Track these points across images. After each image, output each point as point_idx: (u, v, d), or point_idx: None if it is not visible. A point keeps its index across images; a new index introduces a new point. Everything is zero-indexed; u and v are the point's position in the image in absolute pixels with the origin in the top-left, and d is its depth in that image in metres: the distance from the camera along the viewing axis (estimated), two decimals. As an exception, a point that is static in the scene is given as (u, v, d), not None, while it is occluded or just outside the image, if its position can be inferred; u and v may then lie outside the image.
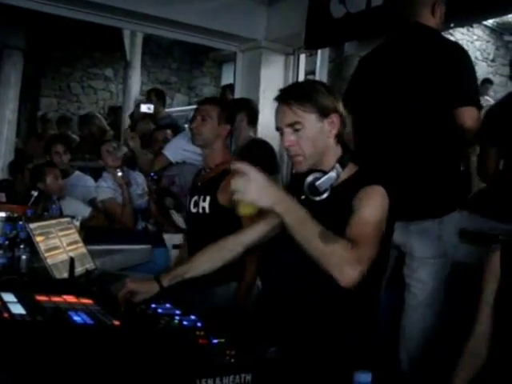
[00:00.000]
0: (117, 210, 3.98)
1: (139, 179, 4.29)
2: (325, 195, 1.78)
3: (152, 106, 4.69)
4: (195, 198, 2.79)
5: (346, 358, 1.73)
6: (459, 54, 2.47)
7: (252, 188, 1.53)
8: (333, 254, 1.53)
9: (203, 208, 2.73)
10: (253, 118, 3.98)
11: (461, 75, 2.40)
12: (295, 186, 1.85)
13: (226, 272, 2.30)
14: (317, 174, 1.79)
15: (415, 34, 2.56)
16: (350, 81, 2.86)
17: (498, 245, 1.81)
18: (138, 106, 4.64)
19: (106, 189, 4.05)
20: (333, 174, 1.78)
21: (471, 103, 2.39)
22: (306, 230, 1.55)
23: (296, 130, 1.76)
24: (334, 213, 1.70)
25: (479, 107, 2.45)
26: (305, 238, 1.55)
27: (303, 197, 1.79)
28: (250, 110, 3.96)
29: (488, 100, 6.74)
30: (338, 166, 1.79)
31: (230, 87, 5.46)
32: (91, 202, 4.11)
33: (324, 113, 1.76)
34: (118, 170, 3.97)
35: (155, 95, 6.12)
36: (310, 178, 1.79)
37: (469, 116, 2.37)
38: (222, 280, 2.61)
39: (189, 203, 2.84)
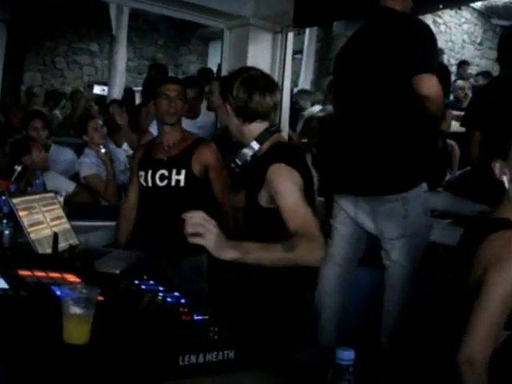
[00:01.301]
0: (100, 186, 3.95)
1: (120, 156, 4.26)
2: (245, 167, 2.09)
3: (106, 88, 4.57)
4: (162, 171, 2.85)
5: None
6: (415, 26, 2.50)
7: (214, 240, 1.65)
8: (302, 254, 1.78)
9: (177, 181, 2.81)
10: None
11: (415, 45, 2.42)
12: None
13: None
14: (239, 150, 2.10)
15: (379, 17, 2.62)
16: (333, 70, 2.94)
17: None
18: (90, 87, 4.51)
19: (88, 165, 4.01)
20: (246, 150, 2.08)
21: (426, 70, 2.40)
22: (269, 256, 1.77)
23: None
24: (251, 181, 2.07)
25: (438, 77, 2.44)
26: (272, 261, 1.78)
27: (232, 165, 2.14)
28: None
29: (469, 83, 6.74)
30: (254, 142, 2.07)
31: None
32: (74, 177, 4.08)
33: (223, 103, 2.14)
34: (102, 147, 3.93)
35: (155, 71, 6.01)
36: (234, 155, 2.13)
37: (424, 83, 2.38)
38: (193, 251, 2.69)
39: (152, 176, 2.88)
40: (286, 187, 1.94)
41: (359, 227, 2.67)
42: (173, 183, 2.81)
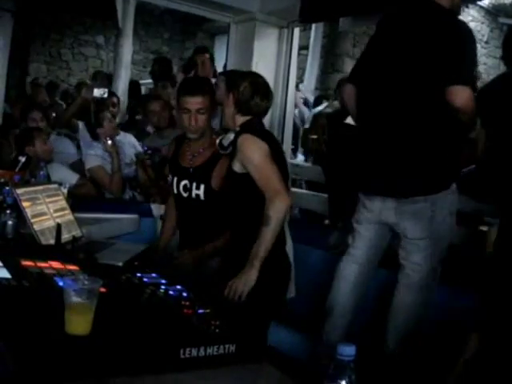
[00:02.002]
0: (104, 179, 3.96)
1: (126, 149, 4.26)
2: (230, 149, 2.50)
3: (107, 90, 4.53)
4: (185, 182, 2.77)
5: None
6: (460, 33, 2.42)
7: (243, 286, 2.28)
8: (276, 216, 2.33)
9: (197, 195, 2.74)
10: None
11: (456, 54, 2.36)
12: None
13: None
14: (224, 135, 2.55)
15: (424, 10, 2.50)
16: (361, 54, 2.83)
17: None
18: (90, 88, 4.49)
19: (94, 157, 4.01)
20: (230, 134, 2.51)
21: (463, 82, 2.35)
22: (266, 241, 2.33)
23: None
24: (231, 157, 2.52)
25: (473, 88, 2.40)
26: (271, 240, 2.35)
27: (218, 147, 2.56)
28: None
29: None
30: (237, 128, 2.50)
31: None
32: (73, 166, 4.10)
33: (228, 92, 2.58)
34: (108, 138, 3.93)
35: (159, 65, 5.91)
36: (219, 138, 2.56)
37: (459, 95, 2.33)
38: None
39: (176, 185, 2.81)
40: (251, 152, 2.42)
41: (384, 228, 2.62)
42: (193, 196, 2.75)
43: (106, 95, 4.49)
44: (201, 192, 2.73)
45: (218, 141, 2.55)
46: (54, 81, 8.78)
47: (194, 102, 2.66)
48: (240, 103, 2.51)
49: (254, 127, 2.52)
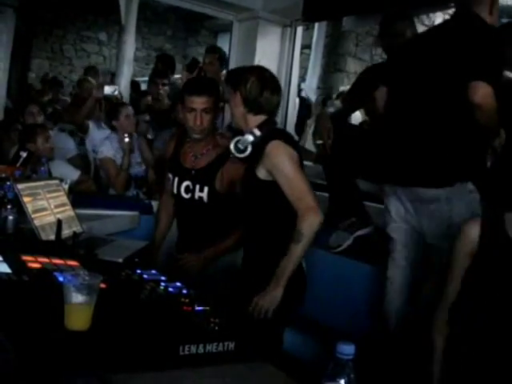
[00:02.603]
0: (112, 171, 3.98)
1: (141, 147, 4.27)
2: (247, 152, 2.32)
3: (117, 87, 4.53)
4: (187, 183, 2.74)
5: None
6: (485, 33, 2.41)
7: (269, 304, 2.20)
8: (309, 231, 2.19)
9: (200, 197, 2.70)
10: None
11: (479, 52, 2.33)
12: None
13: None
14: (239, 137, 2.34)
15: (469, 22, 2.48)
16: (396, 56, 2.82)
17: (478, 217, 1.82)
18: (101, 86, 4.51)
19: (108, 148, 4.04)
20: (248, 135, 2.32)
21: (484, 79, 2.30)
22: (296, 258, 2.22)
23: None
24: (252, 161, 2.34)
25: (494, 86, 2.33)
26: (301, 256, 2.25)
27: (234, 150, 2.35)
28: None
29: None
30: (255, 129, 2.32)
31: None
32: (71, 161, 4.11)
33: (234, 91, 2.38)
34: (126, 136, 3.94)
35: (161, 62, 5.87)
36: (234, 140, 2.35)
37: (478, 91, 2.29)
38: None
39: (177, 186, 2.77)
40: (283, 162, 2.26)
41: (411, 229, 2.60)
42: (196, 197, 2.71)
43: (116, 92, 4.49)
44: (204, 194, 2.69)
45: (232, 144, 2.36)
46: (57, 77, 8.79)
47: (200, 102, 2.62)
48: (249, 101, 2.34)
49: (281, 131, 2.43)
